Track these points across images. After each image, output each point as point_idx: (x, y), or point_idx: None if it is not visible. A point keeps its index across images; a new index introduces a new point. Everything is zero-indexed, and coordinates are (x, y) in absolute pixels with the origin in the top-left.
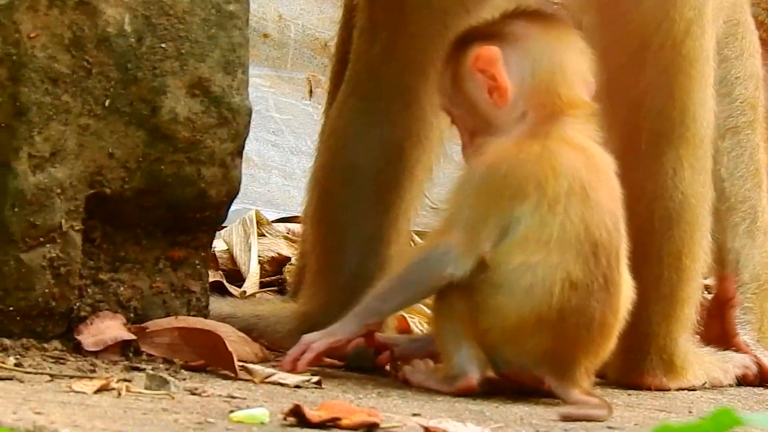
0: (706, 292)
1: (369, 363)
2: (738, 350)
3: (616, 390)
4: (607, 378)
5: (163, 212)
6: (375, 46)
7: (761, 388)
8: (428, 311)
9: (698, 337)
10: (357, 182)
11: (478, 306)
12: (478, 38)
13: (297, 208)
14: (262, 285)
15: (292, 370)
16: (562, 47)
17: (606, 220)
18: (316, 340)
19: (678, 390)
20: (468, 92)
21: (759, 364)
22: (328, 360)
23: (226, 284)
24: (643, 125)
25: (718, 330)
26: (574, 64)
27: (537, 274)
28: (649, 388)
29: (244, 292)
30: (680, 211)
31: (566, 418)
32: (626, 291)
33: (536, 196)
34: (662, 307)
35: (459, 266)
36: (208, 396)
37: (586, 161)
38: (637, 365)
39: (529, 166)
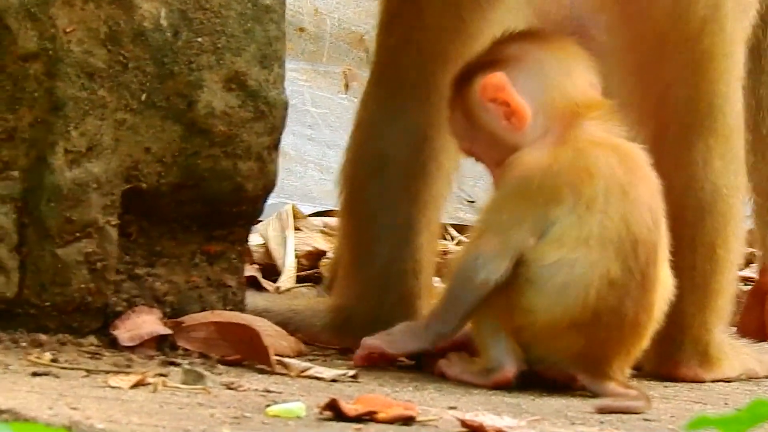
0: (743, 284)
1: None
2: None
3: (651, 382)
4: (643, 370)
5: (199, 207)
6: (393, 37)
7: None
8: None
9: (735, 328)
10: (384, 172)
11: (514, 303)
12: (479, 70)
13: (333, 202)
14: (299, 279)
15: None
16: (562, 57)
17: (646, 217)
18: (372, 342)
19: (713, 382)
20: (484, 125)
21: None
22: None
23: (261, 279)
24: (670, 118)
25: (756, 321)
26: (578, 69)
27: (574, 272)
28: (683, 380)
29: (278, 287)
30: (712, 202)
31: (602, 410)
32: (664, 288)
33: (572, 199)
34: (697, 297)
35: (492, 270)
36: (244, 390)
37: (620, 159)
38: (672, 356)
39: (563, 172)
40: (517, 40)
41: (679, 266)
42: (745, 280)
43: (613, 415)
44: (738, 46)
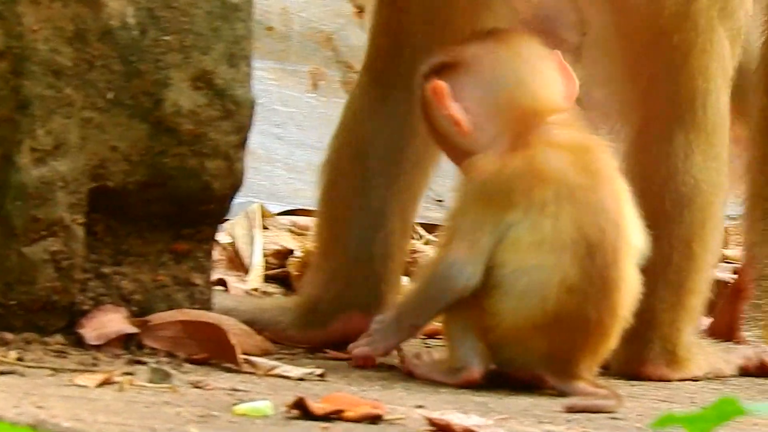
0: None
1: None
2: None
3: (619, 381)
4: (610, 368)
5: (167, 205)
6: (382, 29)
7: (763, 378)
8: None
9: (707, 327)
10: (364, 159)
11: (481, 305)
12: (435, 70)
13: (301, 200)
14: (266, 278)
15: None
16: (521, 60)
17: (600, 220)
18: (361, 351)
19: (680, 381)
20: (437, 122)
21: (760, 361)
22: (331, 353)
23: (229, 278)
24: (654, 111)
25: (728, 320)
26: (536, 72)
27: (533, 278)
28: (650, 378)
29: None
30: (691, 197)
31: (572, 410)
32: (629, 289)
33: (524, 204)
34: (669, 294)
35: (471, 276)
36: (211, 389)
37: (576, 162)
38: (640, 353)
39: (513, 178)
40: (476, 42)
41: (655, 261)
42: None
43: (581, 413)
44: (719, 44)
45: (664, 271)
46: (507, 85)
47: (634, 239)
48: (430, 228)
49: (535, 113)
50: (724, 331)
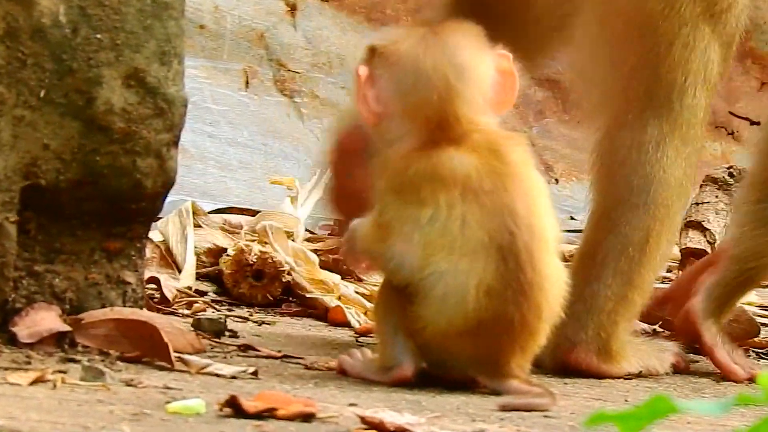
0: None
1: None
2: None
3: (552, 379)
4: (543, 363)
5: (99, 203)
6: None
7: (696, 377)
8: (367, 303)
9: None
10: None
11: (407, 308)
12: (367, 56)
13: (233, 199)
14: (199, 276)
15: None
16: (442, 58)
17: (508, 223)
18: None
19: (612, 378)
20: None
21: (714, 362)
22: (265, 351)
23: (161, 276)
24: (632, 99)
25: (685, 285)
26: (461, 72)
27: (449, 283)
28: (579, 367)
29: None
30: (657, 188)
31: (505, 408)
32: (554, 286)
33: (432, 204)
34: (616, 284)
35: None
36: (144, 387)
37: (483, 165)
38: (573, 336)
39: (417, 179)
40: (412, 33)
41: (609, 247)
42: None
43: (515, 411)
44: (703, 41)
45: (616, 259)
46: (422, 82)
47: (551, 237)
48: None
49: (450, 114)
50: (679, 294)
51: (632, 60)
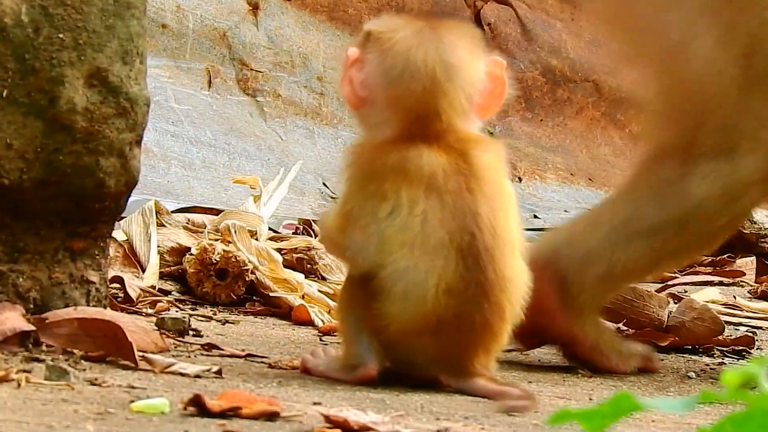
0: None
1: None
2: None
3: (516, 378)
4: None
5: (63, 203)
6: None
7: (661, 375)
8: (331, 302)
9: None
10: None
11: (371, 305)
12: (361, 39)
13: (196, 198)
14: (162, 275)
15: None
16: (433, 55)
17: (469, 224)
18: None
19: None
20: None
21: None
22: (228, 350)
23: (125, 275)
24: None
25: None
26: (449, 72)
27: (408, 281)
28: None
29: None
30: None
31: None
32: (517, 287)
33: (394, 199)
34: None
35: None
36: (108, 386)
37: (450, 165)
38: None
39: (383, 172)
40: (410, 23)
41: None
42: None
43: (479, 410)
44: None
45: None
46: (409, 73)
47: (515, 240)
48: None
49: (430, 110)
50: None
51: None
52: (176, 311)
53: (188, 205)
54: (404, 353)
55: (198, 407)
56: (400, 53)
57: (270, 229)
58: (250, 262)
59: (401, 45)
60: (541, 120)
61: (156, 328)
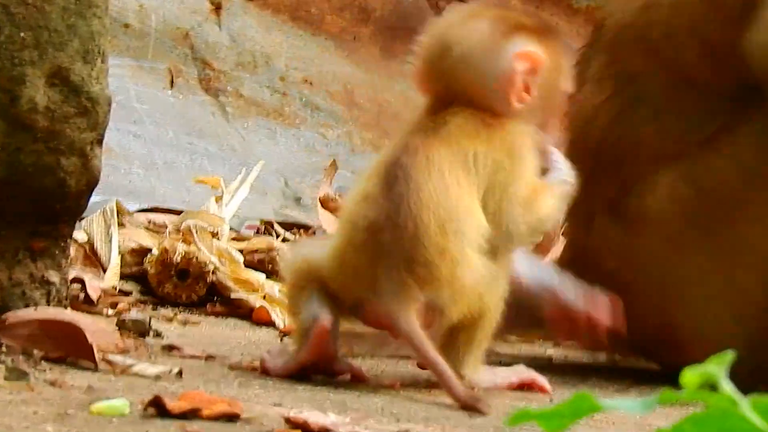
0: None
1: None
2: None
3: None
4: None
5: (23, 202)
6: None
7: (622, 376)
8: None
9: None
10: None
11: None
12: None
13: (158, 198)
14: (123, 276)
15: None
16: (471, 37)
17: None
18: None
19: None
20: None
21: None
22: (189, 351)
23: (86, 276)
24: None
25: None
26: (475, 55)
27: None
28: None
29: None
30: None
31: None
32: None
33: None
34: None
35: None
36: (68, 387)
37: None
38: None
39: None
40: (479, 12)
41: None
42: None
43: (439, 412)
44: None
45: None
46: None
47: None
48: (287, 226)
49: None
50: None
51: None
52: (137, 312)
53: (149, 206)
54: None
55: (158, 408)
56: (445, 29)
57: (231, 229)
58: (211, 262)
59: (451, 23)
60: None
61: (116, 328)
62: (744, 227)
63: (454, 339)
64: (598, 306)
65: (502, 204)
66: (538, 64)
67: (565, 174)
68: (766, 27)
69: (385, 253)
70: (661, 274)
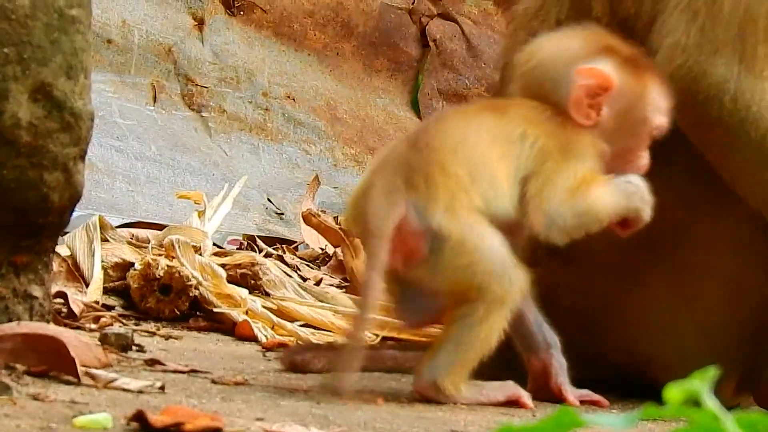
0: None
1: None
2: None
3: None
4: None
5: (7, 217)
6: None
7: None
8: (274, 318)
9: None
10: None
11: None
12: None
13: (141, 213)
14: (106, 290)
15: None
16: (547, 51)
17: None
18: None
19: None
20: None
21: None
22: (171, 365)
23: (68, 290)
24: None
25: None
26: (547, 66)
27: None
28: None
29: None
30: None
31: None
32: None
33: None
34: None
35: None
36: (51, 401)
37: None
38: None
39: None
40: (569, 33)
41: None
42: None
43: (422, 426)
44: None
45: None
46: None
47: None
48: (269, 241)
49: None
50: None
51: None
52: (119, 326)
53: (132, 221)
54: None
55: (141, 423)
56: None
57: (214, 244)
58: (193, 277)
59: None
60: None
61: (99, 343)
62: (689, 250)
63: (438, 342)
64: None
65: (545, 190)
66: (606, 84)
67: (631, 179)
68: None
69: (390, 166)
70: (617, 304)
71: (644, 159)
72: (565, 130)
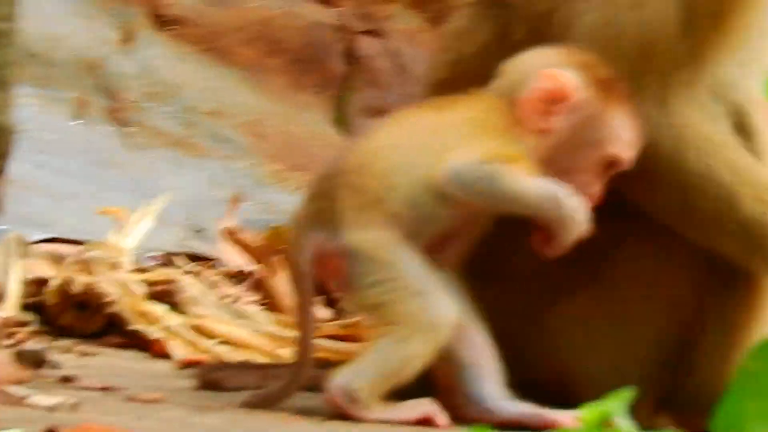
0: None
1: None
2: None
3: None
4: None
5: None
6: None
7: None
8: (190, 335)
9: None
10: None
11: None
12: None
13: (61, 229)
14: (22, 306)
15: None
16: (520, 64)
17: None
18: None
19: None
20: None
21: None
22: (86, 382)
23: None
24: None
25: None
26: (520, 77)
27: None
28: None
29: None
30: None
31: None
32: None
33: None
34: None
35: None
36: None
37: None
38: None
39: None
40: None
41: None
42: None
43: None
44: None
45: None
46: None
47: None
48: (189, 258)
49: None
50: None
51: None
52: (35, 343)
53: (51, 236)
54: None
55: None
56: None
57: (134, 261)
58: (110, 294)
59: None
60: None
61: (14, 359)
62: (611, 269)
63: (361, 353)
64: None
65: (460, 153)
66: (564, 93)
67: (566, 190)
68: None
69: (311, 191)
70: (539, 323)
71: (592, 188)
72: (508, 126)
